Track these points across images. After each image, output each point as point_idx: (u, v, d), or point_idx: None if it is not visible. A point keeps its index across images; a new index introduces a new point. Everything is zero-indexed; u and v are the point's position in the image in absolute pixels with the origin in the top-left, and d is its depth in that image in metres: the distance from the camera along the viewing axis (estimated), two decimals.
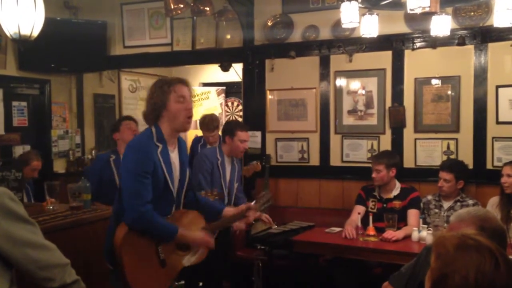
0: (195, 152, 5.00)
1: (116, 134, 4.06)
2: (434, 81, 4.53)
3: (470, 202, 3.93)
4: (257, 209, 3.04)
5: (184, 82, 2.56)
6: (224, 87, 7.19)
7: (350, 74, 4.83)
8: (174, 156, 2.58)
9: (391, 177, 4.02)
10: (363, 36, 3.73)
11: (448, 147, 4.49)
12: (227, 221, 2.94)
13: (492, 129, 4.34)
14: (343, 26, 3.51)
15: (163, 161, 2.47)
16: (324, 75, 4.92)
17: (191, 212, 2.71)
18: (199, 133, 5.33)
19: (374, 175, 4.01)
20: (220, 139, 5.02)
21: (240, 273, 4.33)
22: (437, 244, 1.36)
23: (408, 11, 2.87)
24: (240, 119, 6.99)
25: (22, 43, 3.50)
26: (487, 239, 1.34)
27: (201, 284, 3.68)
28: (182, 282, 2.76)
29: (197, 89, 7.13)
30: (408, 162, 4.59)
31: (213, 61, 5.68)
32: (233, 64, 5.57)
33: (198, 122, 5.69)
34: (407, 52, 4.60)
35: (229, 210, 2.98)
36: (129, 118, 4.20)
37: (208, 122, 4.90)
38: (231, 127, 3.90)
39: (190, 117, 2.56)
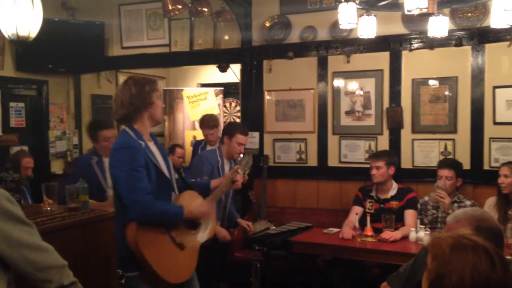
0: (196, 153, 5.00)
1: (95, 143, 3.92)
2: (431, 82, 4.54)
3: (468, 202, 3.94)
4: (242, 170, 3.12)
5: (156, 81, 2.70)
6: (222, 88, 7.17)
7: (348, 75, 4.84)
8: (154, 148, 2.66)
9: (389, 175, 4.03)
10: (360, 37, 3.73)
11: (446, 148, 4.50)
12: (220, 190, 3.04)
13: (489, 130, 4.35)
14: (341, 27, 3.52)
15: (150, 154, 2.55)
16: (322, 76, 4.93)
17: (186, 193, 2.77)
18: (197, 134, 5.33)
19: (373, 172, 4.01)
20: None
21: (238, 274, 4.33)
22: (433, 244, 1.37)
23: (406, 12, 2.87)
24: (238, 120, 6.99)
25: (20, 44, 3.50)
26: (483, 239, 1.34)
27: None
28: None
29: (195, 90, 7.13)
30: (405, 163, 4.60)
31: (211, 62, 5.68)
32: (231, 65, 5.57)
33: (197, 122, 5.70)
34: (404, 53, 4.61)
35: (215, 181, 3.13)
36: (105, 127, 4.00)
37: (208, 119, 4.96)
38: (231, 128, 3.94)
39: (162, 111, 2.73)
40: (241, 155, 3.36)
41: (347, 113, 4.85)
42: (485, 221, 1.83)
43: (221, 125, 6.98)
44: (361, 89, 4.79)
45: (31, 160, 4.31)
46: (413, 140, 4.61)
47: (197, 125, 5.87)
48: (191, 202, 2.72)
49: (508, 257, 2.50)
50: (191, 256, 2.67)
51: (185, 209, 2.58)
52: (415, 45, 4.55)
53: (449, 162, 4.10)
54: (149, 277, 2.48)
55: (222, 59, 5.40)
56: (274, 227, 4.35)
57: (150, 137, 2.67)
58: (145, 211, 2.44)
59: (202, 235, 2.73)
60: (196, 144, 5.29)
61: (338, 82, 4.88)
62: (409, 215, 3.91)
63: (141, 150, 2.50)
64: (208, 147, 4.94)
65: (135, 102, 2.55)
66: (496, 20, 3.36)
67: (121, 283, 2.64)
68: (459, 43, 4.33)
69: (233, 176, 3.08)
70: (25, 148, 5.19)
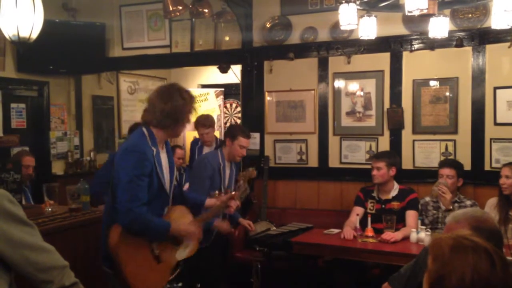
0: (193, 153, 5.00)
1: None
2: (432, 83, 4.54)
3: (468, 202, 3.94)
4: (237, 197, 3.14)
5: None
6: (223, 89, 7.19)
7: (349, 76, 4.84)
8: (164, 157, 2.63)
9: (390, 176, 4.03)
10: (361, 38, 3.74)
11: (446, 149, 4.49)
12: (212, 212, 3.01)
13: (490, 131, 4.35)
14: (342, 27, 3.52)
15: (157, 165, 2.50)
16: (323, 76, 4.93)
17: (178, 207, 2.75)
18: (198, 135, 5.33)
19: (374, 172, 4.01)
20: (217, 140, 5.05)
21: (238, 275, 4.33)
22: (433, 245, 1.37)
23: (406, 13, 2.88)
24: (238, 121, 7.00)
25: (21, 45, 3.50)
26: (483, 239, 1.34)
27: (199, 286, 3.69)
28: (180, 284, 2.77)
29: (195, 91, 7.13)
30: (406, 164, 4.60)
31: (211, 63, 5.68)
32: (231, 66, 5.57)
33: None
34: (405, 54, 4.61)
35: (210, 201, 3.10)
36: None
37: (204, 119, 4.96)
38: (234, 131, 3.90)
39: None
40: (240, 182, 3.34)
41: (348, 114, 4.85)
42: (485, 222, 1.83)
43: (222, 126, 7.02)
44: (362, 90, 4.79)
45: (32, 159, 4.29)
46: (413, 141, 4.61)
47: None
48: (180, 219, 2.70)
49: (509, 257, 2.50)
50: (164, 271, 2.62)
51: (173, 226, 2.55)
52: (416, 46, 4.55)
53: (450, 162, 4.13)
54: (121, 280, 2.47)
55: (222, 60, 5.40)
56: (274, 228, 4.35)
57: (164, 144, 2.65)
58: (135, 221, 2.41)
59: (181, 253, 2.70)
60: (193, 143, 5.28)
61: (339, 83, 4.88)
62: (410, 216, 3.91)
63: (150, 158, 2.45)
64: (205, 148, 4.93)
65: (170, 116, 2.50)
66: (497, 21, 3.37)
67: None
68: (459, 44, 4.34)
69: (228, 202, 3.06)
70: (26, 149, 5.20)
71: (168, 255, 2.62)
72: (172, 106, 2.48)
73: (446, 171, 3.96)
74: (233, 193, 3.12)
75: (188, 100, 2.54)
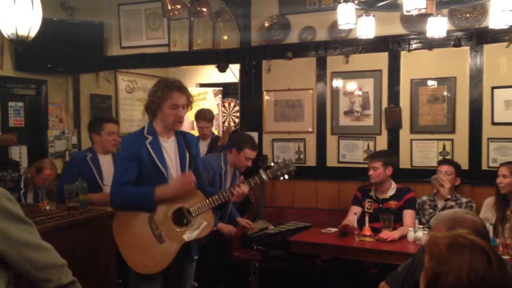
0: None
1: (95, 136, 3.79)
2: (430, 82, 4.55)
3: (464, 200, 3.96)
4: (269, 175, 2.96)
5: (183, 91, 2.73)
6: (221, 88, 7.19)
7: (347, 75, 4.85)
8: (169, 145, 2.77)
9: (387, 175, 4.04)
10: (359, 37, 3.74)
11: (444, 148, 4.51)
12: (223, 195, 2.86)
13: (487, 130, 4.36)
14: (340, 27, 3.52)
15: (151, 149, 2.67)
16: (321, 76, 4.93)
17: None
18: (196, 133, 5.33)
19: (371, 172, 4.03)
20: (213, 135, 5.07)
21: (236, 274, 4.33)
22: (430, 244, 1.38)
23: (404, 13, 2.88)
24: (237, 120, 7.00)
25: (19, 44, 3.50)
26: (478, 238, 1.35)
27: (196, 285, 3.69)
28: None
29: (194, 90, 7.13)
30: (404, 163, 4.60)
31: (210, 62, 5.68)
32: (230, 65, 5.57)
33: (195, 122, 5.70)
34: (403, 53, 4.62)
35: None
36: (110, 120, 3.93)
37: (205, 112, 5.04)
38: (241, 142, 3.86)
39: (179, 122, 2.77)
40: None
41: (346, 113, 4.86)
42: (461, 224, 1.82)
43: (220, 125, 7.02)
44: (360, 89, 4.80)
45: (52, 174, 4.15)
46: (411, 140, 4.62)
47: (195, 125, 5.87)
48: (189, 199, 2.72)
49: (505, 257, 2.50)
50: (168, 251, 2.63)
51: (157, 189, 2.63)
52: (414, 46, 4.56)
53: (449, 160, 4.22)
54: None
55: (221, 59, 5.40)
56: (272, 227, 4.35)
57: (172, 134, 2.79)
58: (116, 196, 2.63)
59: (190, 234, 2.68)
60: None
61: (337, 82, 4.88)
62: (408, 215, 3.92)
63: (138, 144, 2.67)
64: (201, 142, 4.93)
65: (151, 99, 2.74)
66: (495, 20, 3.37)
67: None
68: (457, 44, 4.34)
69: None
70: (24, 148, 5.19)
71: (173, 236, 2.64)
72: (151, 92, 2.76)
73: (444, 168, 4.01)
74: (242, 177, 3.07)
75: (160, 86, 2.72)
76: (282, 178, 3.00)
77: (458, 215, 1.89)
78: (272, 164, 3.14)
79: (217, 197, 2.79)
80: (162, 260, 2.60)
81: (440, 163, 4.16)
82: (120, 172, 2.69)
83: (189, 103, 2.79)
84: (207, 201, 2.75)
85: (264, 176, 2.93)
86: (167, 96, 2.68)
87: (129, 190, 2.63)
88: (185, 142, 2.82)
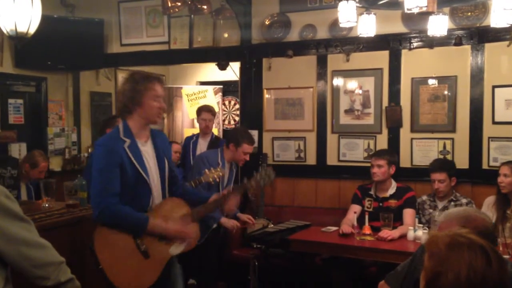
0: (187, 149, 4.98)
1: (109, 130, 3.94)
2: (430, 81, 4.54)
3: (464, 200, 3.96)
4: (236, 191, 2.94)
5: (161, 81, 2.61)
6: (221, 86, 7.17)
7: (347, 74, 4.84)
8: (147, 148, 2.56)
9: (390, 174, 4.04)
10: (360, 35, 3.73)
11: (444, 147, 4.50)
12: (208, 206, 2.81)
13: (488, 129, 4.35)
14: (341, 25, 3.51)
15: (131, 154, 2.46)
16: (321, 74, 4.92)
17: (171, 200, 2.65)
18: (196, 131, 5.32)
19: (375, 170, 4.01)
20: (212, 135, 5.05)
21: (236, 272, 4.32)
22: (429, 243, 1.38)
23: (406, 11, 2.87)
24: (237, 118, 6.99)
25: (18, 41, 3.49)
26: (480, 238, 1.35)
27: (195, 283, 3.68)
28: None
29: (194, 88, 7.12)
30: (404, 162, 4.60)
31: (210, 60, 5.67)
32: (230, 63, 5.56)
33: (195, 120, 5.69)
34: (404, 52, 4.61)
35: (215, 195, 2.90)
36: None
37: (209, 105, 5.03)
38: (238, 137, 3.85)
39: (161, 114, 2.58)
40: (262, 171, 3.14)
41: (346, 111, 4.85)
42: (473, 222, 1.83)
43: (220, 124, 7.01)
44: (361, 88, 4.79)
45: (46, 164, 4.40)
46: (412, 139, 4.61)
47: (195, 123, 5.86)
48: (171, 213, 2.58)
49: (506, 256, 2.50)
50: (155, 266, 2.52)
51: (151, 222, 2.45)
52: (415, 44, 4.55)
53: (439, 165, 4.09)
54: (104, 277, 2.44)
55: (221, 57, 5.39)
56: (272, 225, 4.35)
57: (149, 134, 2.59)
58: (104, 212, 2.39)
59: (175, 249, 2.57)
60: (188, 139, 5.26)
61: (338, 81, 4.87)
62: (408, 214, 3.92)
63: (118, 150, 2.42)
64: (200, 141, 4.92)
65: (124, 99, 2.52)
66: (496, 19, 3.36)
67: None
68: (458, 42, 4.33)
69: (227, 196, 2.84)
70: (24, 145, 5.19)
71: (159, 250, 2.52)
72: (127, 88, 2.51)
73: (436, 176, 3.99)
74: (231, 186, 3.04)
75: (139, 79, 2.52)
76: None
77: (470, 213, 1.89)
78: (255, 173, 3.12)
79: (201, 209, 2.72)
80: (148, 277, 2.50)
81: (431, 169, 4.07)
82: (105, 181, 2.40)
83: (165, 95, 2.65)
84: (194, 211, 2.67)
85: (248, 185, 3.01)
86: (148, 88, 2.48)
87: (122, 212, 2.42)
88: (161, 144, 2.65)
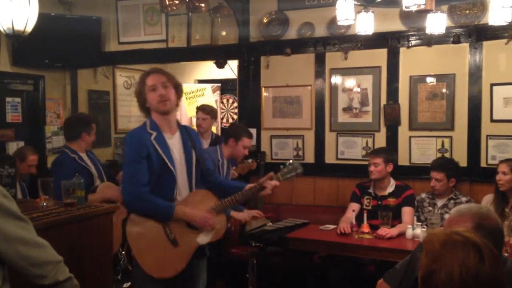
0: None
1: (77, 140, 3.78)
2: (429, 79, 4.54)
3: (463, 199, 3.96)
4: (280, 178, 2.90)
5: (154, 71, 2.72)
6: (219, 84, 7.17)
7: (345, 72, 4.83)
8: (173, 141, 2.70)
9: (387, 172, 4.03)
10: (358, 33, 3.73)
11: (443, 145, 4.50)
12: (245, 193, 2.79)
13: (486, 127, 4.36)
14: (339, 23, 3.51)
15: (158, 145, 2.60)
16: (320, 72, 4.92)
17: (200, 192, 2.76)
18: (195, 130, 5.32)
19: (371, 168, 4.02)
20: (212, 135, 5.05)
21: (234, 271, 4.33)
22: (426, 241, 1.39)
23: (404, 9, 2.86)
24: (235, 116, 6.99)
25: (16, 39, 3.48)
26: (479, 236, 1.35)
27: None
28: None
29: (192, 86, 7.11)
30: (402, 160, 4.60)
31: (208, 58, 5.67)
32: (228, 61, 5.56)
33: (194, 118, 5.69)
34: (402, 50, 4.61)
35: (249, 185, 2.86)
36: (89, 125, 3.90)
37: (205, 105, 5.06)
38: (237, 131, 3.88)
39: (163, 101, 2.64)
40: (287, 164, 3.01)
41: (345, 110, 4.85)
42: (487, 220, 1.82)
43: (218, 122, 7.00)
44: (359, 86, 4.79)
45: (36, 158, 4.37)
46: (410, 137, 4.61)
47: (194, 121, 5.86)
48: (199, 205, 2.70)
49: (505, 254, 2.50)
50: (183, 254, 2.64)
51: (177, 209, 2.61)
52: (413, 42, 4.55)
53: (439, 164, 4.06)
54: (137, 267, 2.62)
55: (219, 55, 5.39)
56: (270, 224, 4.34)
57: (176, 128, 2.73)
58: (134, 201, 2.58)
59: (203, 238, 2.69)
60: None
61: (336, 79, 4.87)
62: (406, 212, 3.92)
63: (145, 141, 2.59)
64: (201, 141, 4.92)
65: (138, 101, 2.75)
66: (494, 17, 3.36)
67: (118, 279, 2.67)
68: (457, 40, 4.33)
69: (264, 184, 2.80)
70: (22, 143, 5.17)
71: (187, 239, 2.65)
72: (135, 92, 2.77)
73: (434, 175, 3.99)
74: (271, 173, 2.87)
75: (139, 80, 2.74)
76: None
77: (483, 211, 1.88)
78: (281, 167, 3.03)
79: (230, 199, 2.75)
80: (177, 264, 2.63)
81: (431, 166, 4.06)
82: (135, 172, 2.57)
83: (171, 81, 2.67)
84: (221, 203, 2.75)
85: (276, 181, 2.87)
86: (143, 84, 2.67)
87: (151, 201, 2.58)
88: (189, 137, 2.76)
